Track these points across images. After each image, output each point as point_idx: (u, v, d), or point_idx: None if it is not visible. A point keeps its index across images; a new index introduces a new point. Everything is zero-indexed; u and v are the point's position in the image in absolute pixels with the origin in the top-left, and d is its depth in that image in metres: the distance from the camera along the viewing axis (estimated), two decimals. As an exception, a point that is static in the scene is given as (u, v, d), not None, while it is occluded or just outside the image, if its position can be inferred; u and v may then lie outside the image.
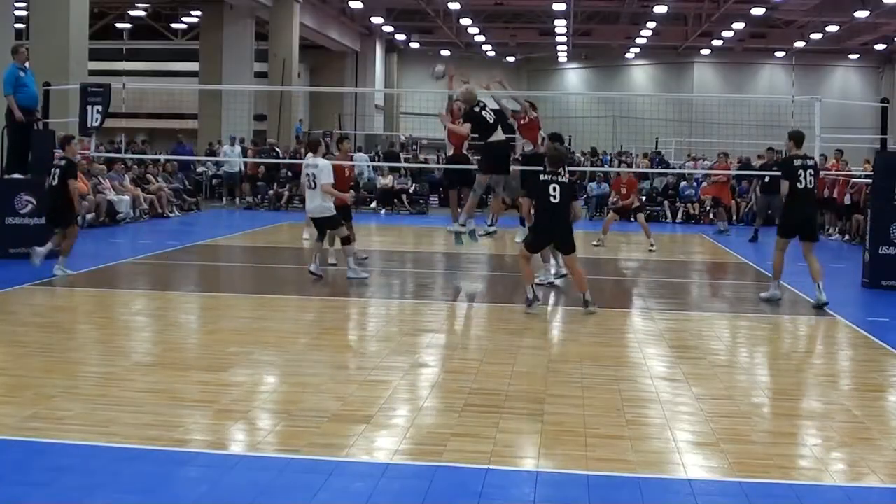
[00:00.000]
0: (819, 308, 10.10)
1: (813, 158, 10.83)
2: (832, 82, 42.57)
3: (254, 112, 31.63)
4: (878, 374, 7.53)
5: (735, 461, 5.12)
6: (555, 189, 9.46)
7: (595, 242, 15.84)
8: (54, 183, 11.26)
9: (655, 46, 41.00)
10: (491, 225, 11.55)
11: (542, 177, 9.65)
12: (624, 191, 16.83)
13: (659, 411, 6.12)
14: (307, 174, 11.30)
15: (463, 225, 11.25)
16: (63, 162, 11.36)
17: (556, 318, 9.87)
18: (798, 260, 10.84)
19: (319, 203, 11.24)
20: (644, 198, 20.99)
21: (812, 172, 10.36)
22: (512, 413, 5.95)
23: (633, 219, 16.86)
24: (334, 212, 11.35)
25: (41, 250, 11.10)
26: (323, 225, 11.49)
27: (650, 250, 15.66)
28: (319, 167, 11.18)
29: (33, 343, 7.72)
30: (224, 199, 25.45)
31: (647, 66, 45.29)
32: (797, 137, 10.55)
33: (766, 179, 18.04)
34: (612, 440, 5.44)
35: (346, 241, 11.46)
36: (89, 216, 17.37)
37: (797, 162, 10.37)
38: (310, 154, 11.70)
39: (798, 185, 10.30)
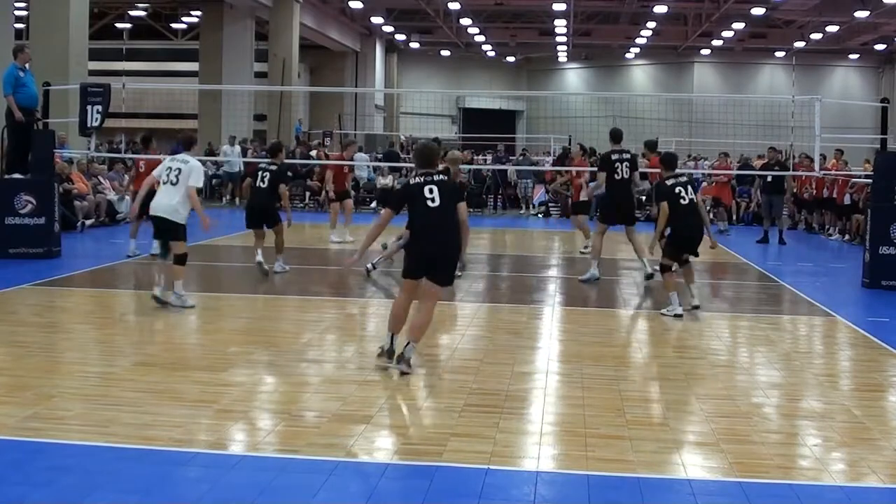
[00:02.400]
0: (648, 279, 11.34)
1: (629, 152, 12.24)
2: (832, 82, 42.57)
3: (254, 112, 31.62)
4: (878, 374, 7.53)
5: (735, 461, 5.12)
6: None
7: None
8: (263, 185, 12.13)
9: (655, 46, 41.00)
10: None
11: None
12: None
13: (659, 411, 6.12)
14: (171, 168, 9.54)
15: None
16: (274, 167, 12.29)
17: (556, 318, 9.86)
18: (798, 260, 10.84)
19: (176, 203, 9.45)
20: (644, 198, 20.78)
21: (628, 165, 11.81)
22: (512, 413, 5.95)
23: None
24: (184, 221, 9.59)
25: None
26: (168, 230, 9.65)
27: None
28: (190, 164, 9.59)
29: (33, 343, 7.72)
30: (224, 199, 25.45)
31: (647, 66, 45.28)
32: (614, 134, 12.28)
33: (769, 179, 18.02)
34: (612, 440, 5.44)
35: (181, 259, 9.56)
36: (88, 221, 17.38)
37: (615, 156, 11.85)
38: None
39: (615, 176, 11.76)
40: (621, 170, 11.79)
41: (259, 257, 11.88)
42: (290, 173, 23.19)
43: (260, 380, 6.85)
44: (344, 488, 4.62)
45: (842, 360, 8.32)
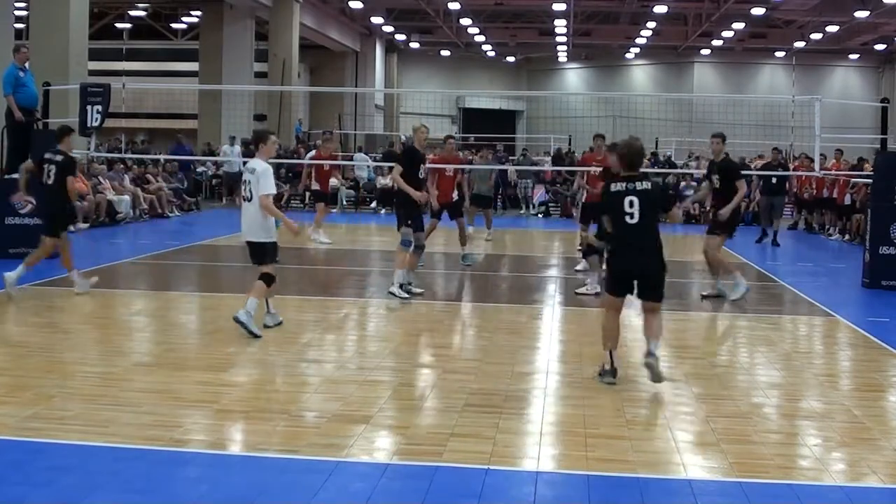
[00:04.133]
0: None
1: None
2: (832, 82, 42.55)
3: (254, 112, 31.61)
4: (878, 374, 7.53)
5: (735, 461, 5.12)
6: None
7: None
8: (50, 182, 10.01)
9: (655, 46, 40.98)
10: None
11: None
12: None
13: (659, 411, 6.12)
14: (244, 181, 8.41)
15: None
16: (59, 157, 10.07)
17: (556, 318, 9.86)
18: (798, 260, 10.83)
19: (258, 221, 8.31)
20: None
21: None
22: (512, 413, 5.95)
23: None
24: (273, 237, 8.47)
25: (12, 276, 9.60)
26: (257, 253, 8.53)
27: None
28: (257, 172, 8.21)
29: (33, 343, 7.72)
30: (224, 199, 25.46)
31: (647, 66, 45.27)
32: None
33: (774, 181, 17.80)
34: (612, 440, 5.44)
35: (269, 279, 8.37)
36: (83, 226, 17.36)
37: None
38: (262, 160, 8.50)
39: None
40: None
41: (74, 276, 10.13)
42: (290, 174, 23.30)
43: (260, 380, 6.84)
44: (344, 488, 4.62)
45: (842, 360, 8.32)
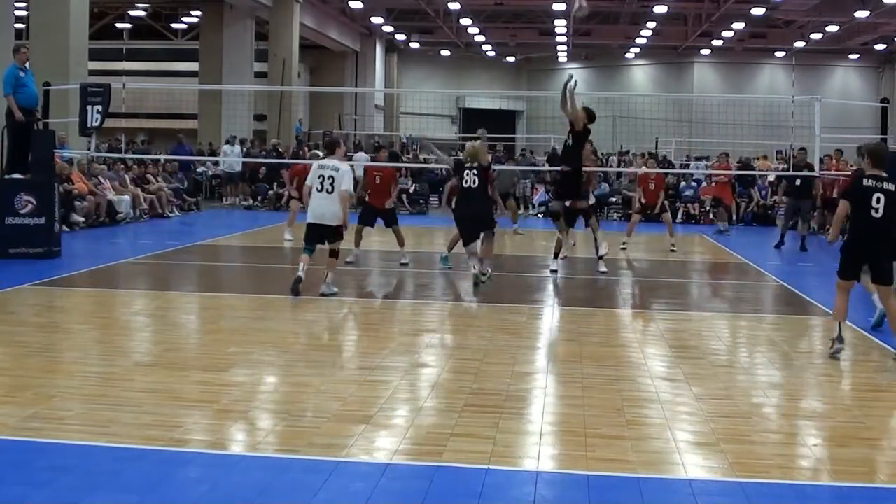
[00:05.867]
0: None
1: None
2: (832, 82, 42.56)
3: (254, 112, 31.63)
4: (878, 374, 7.53)
5: (735, 461, 5.12)
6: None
7: (621, 245, 15.80)
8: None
9: (655, 46, 40.99)
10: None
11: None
12: (653, 186, 16.42)
13: (659, 411, 6.12)
14: (323, 176, 10.19)
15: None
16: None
17: (556, 318, 9.86)
18: (798, 260, 10.82)
19: (335, 210, 10.18)
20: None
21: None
22: (512, 413, 5.95)
23: (660, 219, 16.63)
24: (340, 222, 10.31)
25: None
26: (326, 233, 10.32)
27: (671, 250, 15.75)
28: (341, 171, 10.17)
29: (33, 343, 7.71)
30: (224, 199, 25.47)
31: (647, 66, 45.28)
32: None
33: (798, 182, 17.06)
34: (612, 440, 5.44)
35: (336, 255, 10.41)
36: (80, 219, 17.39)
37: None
38: (332, 160, 10.52)
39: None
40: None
41: None
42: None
43: (260, 380, 6.85)
44: (344, 488, 4.62)
45: (842, 360, 8.30)
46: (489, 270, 10.80)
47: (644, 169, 17.56)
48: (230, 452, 5.21)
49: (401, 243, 13.15)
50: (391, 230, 13.28)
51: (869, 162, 7.90)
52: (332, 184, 10.12)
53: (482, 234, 10.84)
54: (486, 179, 11.01)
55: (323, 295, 10.13)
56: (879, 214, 7.66)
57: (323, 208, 10.19)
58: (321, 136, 32.06)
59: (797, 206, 17.47)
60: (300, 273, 10.17)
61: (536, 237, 18.76)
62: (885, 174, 7.81)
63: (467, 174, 10.90)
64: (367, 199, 13.30)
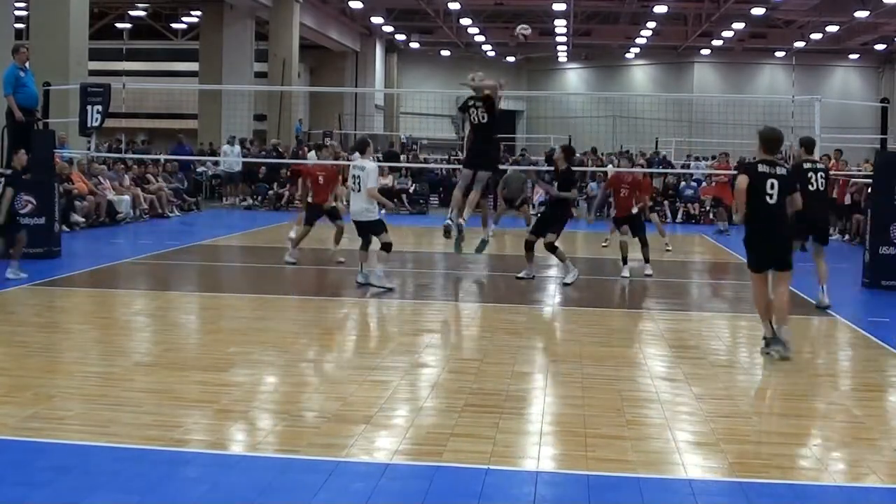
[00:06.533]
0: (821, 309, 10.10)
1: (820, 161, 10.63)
2: (832, 82, 42.55)
3: (254, 112, 31.62)
4: (878, 374, 7.53)
5: (735, 461, 5.12)
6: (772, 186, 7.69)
7: (603, 243, 15.80)
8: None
9: (655, 46, 40.98)
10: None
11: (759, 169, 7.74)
12: (625, 193, 12.75)
13: (659, 411, 6.12)
14: (353, 176, 10.86)
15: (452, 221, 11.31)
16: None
17: (556, 318, 9.86)
18: (798, 260, 10.81)
19: (363, 206, 10.81)
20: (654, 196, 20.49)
21: (823, 176, 10.18)
22: (512, 413, 5.95)
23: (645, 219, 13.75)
24: (378, 216, 10.99)
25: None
26: (366, 230, 10.99)
27: (667, 250, 15.57)
28: (366, 170, 10.75)
29: (33, 343, 7.71)
30: (224, 199, 25.47)
31: (647, 66, 45.26)
32: (807, 143, 10.59)
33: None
34: (612, 440, 5.44)
35: (388, 247, 10.85)
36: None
37: (807, 165, 10.14)
38: (357, 154, 11.34)
39: (809, 187, 9.77)
40: (815, 180, 10.08)
41: None
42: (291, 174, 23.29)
43: (260, 380, 6.84)
44: (344, 488, 4.62)
45: (842, 360, 8.32)
46: (490, 236, 11.88)
47: (612, 168, 15.48)
48: (230, 452, 5.21)
49: (336, 240, 13.01)
50: (334, 225, 13.13)
51: (762, 148, 7.84)
52: (359, 182, 10.74)
53: (477, 176, 11.15)
54: (493, 116, 11.14)
55: (372, 286, 10.70)
56: (774, 201, 7.64)
57: (355, 206, 10.93)
58: (321, 136, 32.14)
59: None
60: (359, 274, 11.05)
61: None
62: (778, 160, 7.89)
63: (473, 112, 11.20)
64: (310, 199, 13.14)
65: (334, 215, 13.19)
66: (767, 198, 7.62)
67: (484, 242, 12.41)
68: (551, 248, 11.59)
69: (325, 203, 13.07)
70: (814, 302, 10.26)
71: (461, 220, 11.17)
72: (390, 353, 7.70)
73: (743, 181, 7.71)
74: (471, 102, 11.25)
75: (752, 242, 7.90)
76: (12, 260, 10.90)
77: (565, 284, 11.55)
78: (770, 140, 7.88)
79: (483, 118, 11.13)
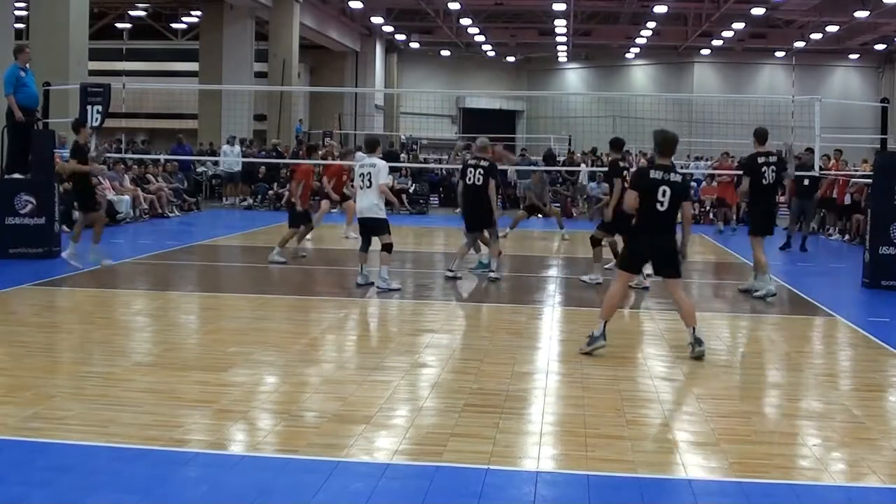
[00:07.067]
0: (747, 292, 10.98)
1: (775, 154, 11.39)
2: (832, 82, 42.57)
3: (254, 112, 31.62)
4: (878, 374, 7.53)
5: (735, 461, 5.12)
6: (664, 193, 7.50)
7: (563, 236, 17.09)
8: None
9: (655, 46, 41.00)
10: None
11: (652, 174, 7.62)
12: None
13: (659, 411, 6.12)
14: (362, 174, 10.91)
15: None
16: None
17: (556, 318, 9.86)
18: (798, 260, 10.83)
19: (373, 202, 10.86)
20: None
21: (774, 169, 10.84)
22: (512, 413, 5.95)
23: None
24: (385, 215, 11.01)
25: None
26: (371, 228, 11.00)
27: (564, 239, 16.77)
28: (377, 166, 10.87)
29: (33, 343, 7.71)
30: (224, 199, 25.48)
31: (647, 66, 45.29)
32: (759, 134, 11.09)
33: (806, 182, 16.70)
34: (612, 440, 5.44)
35: (388, 247, 10.88)
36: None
37: (761, 159, 10.85)
38: (360, 154, 11.64)
39: (763, 181, 10.84)
40: (768, 175, 10.83)
41: None
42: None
43: (260, 380, 6.84)
44: (344, 488, 4.62)
45: (842, 360, 8.31)
46: (494, 271, 11.90)
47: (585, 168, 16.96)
48: (230, 452, 5.21)
49: (281, 243, 13.24)
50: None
51: (657, 152, 7.68)
52: (370, 179, 10.82)
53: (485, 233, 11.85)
54: (488, 180, 11.60)
55: (379, 289, 10.73)
56: (664, 208, 7.41)
57: (363, 202, 10.94)
58: (321, 136, 32.14)
59: (803, 207, 17.35)
60: (360, 275, 11.12)
61: (536, 237, 18.78)
62: (672, 164, 7.67)
63: (471, 172, 11.66)
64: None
65: (307, 217, 13.67)
66: (658, 205, 7.41)
67: (482, 265, 12.45)
68: (594, 241, 11.94)
69: (291, 202, 13.73)
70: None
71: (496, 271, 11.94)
72: (390, 353, 7.70)
73: (632, 196, 7.59)
74: (472, 162, 11.80)
75: (634, 245, 7.86)
76: (93, 244, 11.97)
77: (581, 280, 11.89)
78: (665, 142, 7.65)
79: (479, 181, 11.60)
